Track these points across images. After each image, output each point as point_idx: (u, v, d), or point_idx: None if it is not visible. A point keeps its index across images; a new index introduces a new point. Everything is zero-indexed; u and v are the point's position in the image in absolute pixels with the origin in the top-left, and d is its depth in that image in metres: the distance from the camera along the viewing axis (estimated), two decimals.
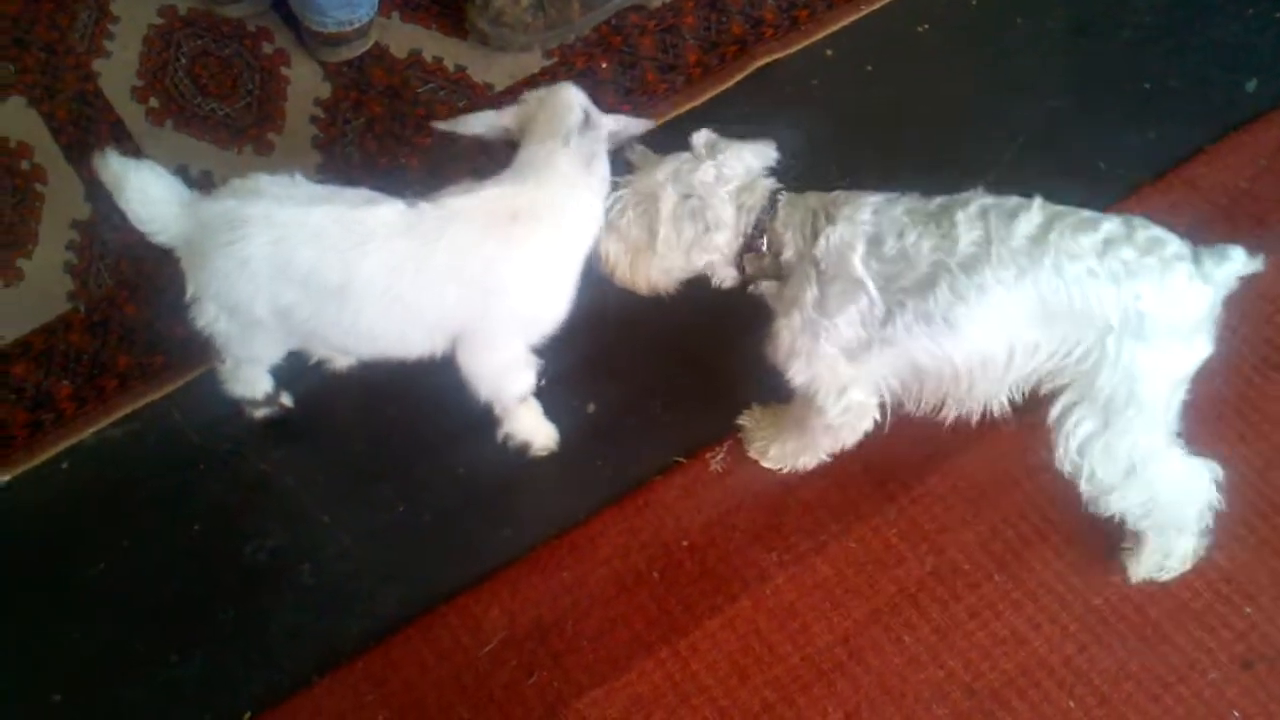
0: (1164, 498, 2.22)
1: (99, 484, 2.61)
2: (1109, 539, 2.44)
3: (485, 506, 2.55)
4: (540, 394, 2.52)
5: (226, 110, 3.07)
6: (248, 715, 2.35)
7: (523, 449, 2.52)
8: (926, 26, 3.17)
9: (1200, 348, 2.05)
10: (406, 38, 3.17)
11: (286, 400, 2.59)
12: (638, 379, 2.68)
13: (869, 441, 2.53)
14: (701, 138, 2.26)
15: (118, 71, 3.12)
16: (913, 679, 2.34)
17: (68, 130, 3.03)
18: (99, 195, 2.86)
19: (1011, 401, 2.21)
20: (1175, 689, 2.31)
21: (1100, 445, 2.12)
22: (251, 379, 2.50)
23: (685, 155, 2.26)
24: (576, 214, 2.26)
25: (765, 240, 2.22)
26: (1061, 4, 3.20)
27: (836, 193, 2.20)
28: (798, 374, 2.25)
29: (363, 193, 2.23)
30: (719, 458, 2.58)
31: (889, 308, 2.10)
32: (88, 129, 3.02)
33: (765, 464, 2.54)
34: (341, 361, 2.61)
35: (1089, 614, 2.39)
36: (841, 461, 2.53)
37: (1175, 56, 3.08)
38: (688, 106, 3.05)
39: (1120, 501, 2.21)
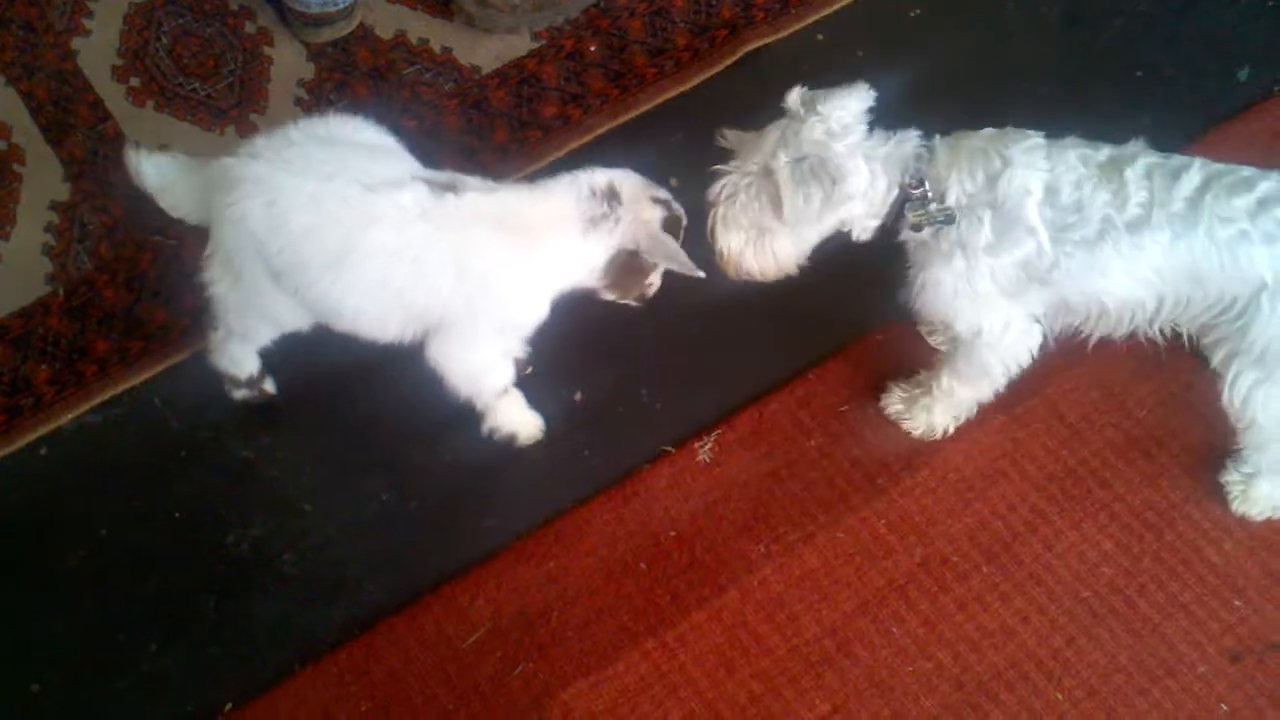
0: None
1: (78, 471, 2.57)
2: (1098, 533, 2.44)
3: (471, 496, 2.53)
4: (527, 383, 2.51)
5: (208, 90, 3.02)
6: (229, 706, 2.33)
7: (509, 439, 2.50)
8: (918, 11, 3.14)
9: None
10: (392, 18, 3.13)
11: (269, 387, 2.56)
12: (625, 368, 2.65)
13: (859, 434, 2.53)
14: (795, 96, 2.15)
15: (97, 50, 3.06)
16: (901, 671, 2.34)
17: (47, 110, 2.97)
18: (78, 175, 2.84)
19: (1163, 333, 2.24)
20: (1163, 682, 2.31)
21: (1261, 395, 2.15)
22: (239, 356, 2.47)
23: (783, 121, 2.15)
24: (571, 247, 2.25)
25: (926, 187, 2.12)
26: None
27: (998, 131, 2.15)
28: (961, 317, 2.21)
29: (382, 170, 2.19)
30: (707, 447, 2.56)
31: (1056, 257, 2.10)
32: (67, 109, 2.97)
33: (919, 434, 2.52)
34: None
35: (1077, 606, 2.38)
36: (830, 454, 2.52)
37: (1168, 45, 3.07)
38: (676, 91, 3.01)
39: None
